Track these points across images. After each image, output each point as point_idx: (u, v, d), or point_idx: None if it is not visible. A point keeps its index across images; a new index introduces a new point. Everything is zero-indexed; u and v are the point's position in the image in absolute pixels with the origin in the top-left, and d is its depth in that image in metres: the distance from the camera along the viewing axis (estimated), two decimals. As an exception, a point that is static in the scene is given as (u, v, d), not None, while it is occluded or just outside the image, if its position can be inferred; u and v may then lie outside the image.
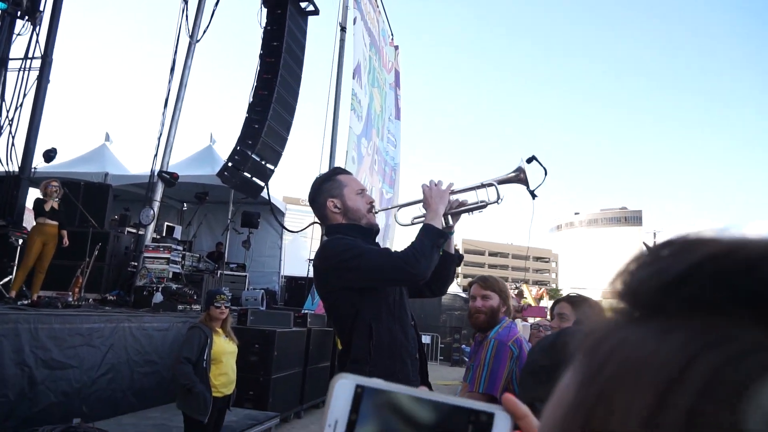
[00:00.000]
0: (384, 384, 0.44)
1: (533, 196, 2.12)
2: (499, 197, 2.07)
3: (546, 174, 2.13)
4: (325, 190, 2.18)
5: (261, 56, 9.04)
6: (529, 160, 2.09)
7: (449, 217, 2.13)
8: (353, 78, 8.71)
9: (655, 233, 47.91)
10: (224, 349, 4.09)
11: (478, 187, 2.14)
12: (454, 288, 29.90)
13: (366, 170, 9.46)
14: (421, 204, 2.13)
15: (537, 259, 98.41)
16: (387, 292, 2.06)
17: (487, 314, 2.54)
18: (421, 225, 2.09)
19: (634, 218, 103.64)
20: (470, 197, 2.16)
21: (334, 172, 2.27)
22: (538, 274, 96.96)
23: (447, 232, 2.04)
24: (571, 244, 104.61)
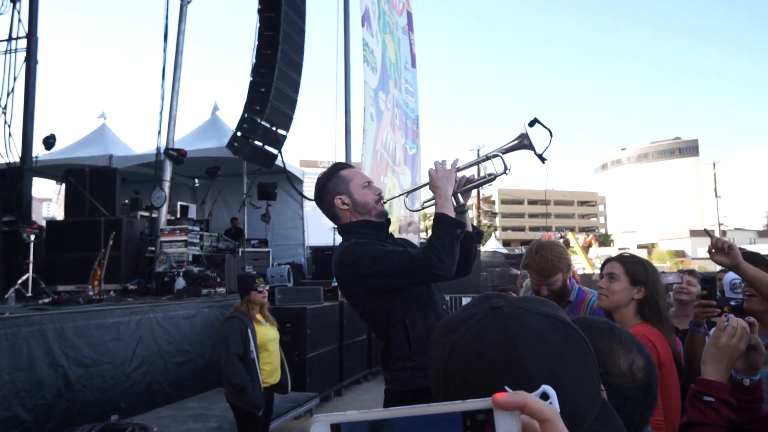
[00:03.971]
0: (358, 414, 0.47)
1: (542, 160, 2.21)
2: (506, 168, 2.17)
3: (552, 135, 2.19)
4: (331, 188, 2.28)
5: (259, 11, 8.93)
6: (531, 124, 2.16)
7: (459, 195, 2.24)
8: (362, 26, 8.54)
9: (714, 163, 46.62)
10: (267, 336, 4.22)
11: (483, 160, 2.26)
12: (493, 243, 29.94)
13: (387, 126, 9.40)
14: (428, 187, 2.24)
15: (582, 203, 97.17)
16: None
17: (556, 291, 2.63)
18: (433, 210, 2.18)
19: (689, 149, 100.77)
20: (477, 171, 2.32)
21: (336, 168, 2.35)
22: (584, 220, 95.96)
23: (462, 222, 2.14)
24: (619, 183, 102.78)
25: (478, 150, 34.40)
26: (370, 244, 2.14)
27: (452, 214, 2.10)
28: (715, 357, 1.46)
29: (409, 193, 2.75)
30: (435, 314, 2.16)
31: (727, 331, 1.46)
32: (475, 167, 2.41)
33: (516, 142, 2.17)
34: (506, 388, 0.61)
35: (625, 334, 1.02)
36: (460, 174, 2.22)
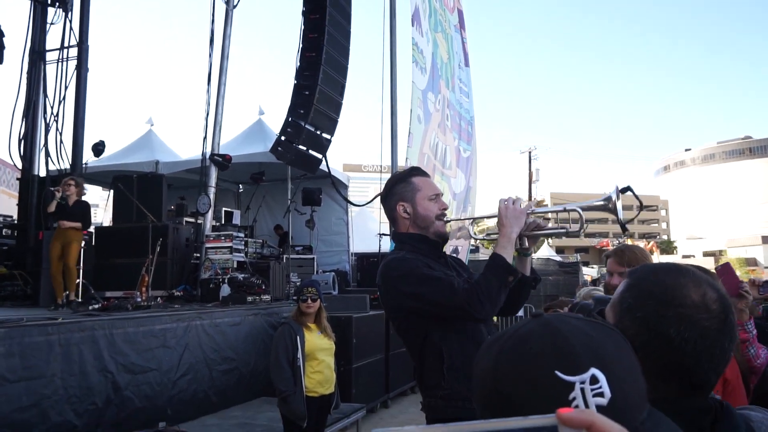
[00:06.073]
0: (416, 429, 0.48)
1: (624, 229, 2.14)
2: (582, 226, 2.13)
3: (642, 208, 2.20)
4: (397, 192, 2.29)
5: (304, 13, 9.10)
6: (623, 191, 2.10)
7: (525, 239, 2.18)
8: (412, 25, 8.54)
9: (789, 164, 44.36)
10: (317, 345, 4.25)
11: (560, 211, 2.24)
12: (546, 250, 29.42)
13: (435, 128, 9.37)
14: (496, 220, 2.20)
15: (642, 207, 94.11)
16: None
17: None
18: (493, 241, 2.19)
19: (760, 149, 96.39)
20: (551, 218, 2.28)
21: (410, 173, 2.36)
22: (644, 226, 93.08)
23: (516, 270, 2.09)
24: (683, 186, 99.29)
25: (530, 153, 33.94)
26: (417, 263, 2.12)
27: (510, 258, 2.06)
28: None
29: (475, 219, 2.74)
30: (476, 345, 2.10)
31: None
32: (547, 215, 2.39)
33: (601, 203, 2.12)
34: (558, 373, 0.65)
35: (692, 270, 1.03)
36: (532, 218, 2.16)
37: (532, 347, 0.70)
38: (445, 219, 2.29)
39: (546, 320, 0.74)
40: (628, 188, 2.11)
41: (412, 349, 2.17)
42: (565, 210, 2.20)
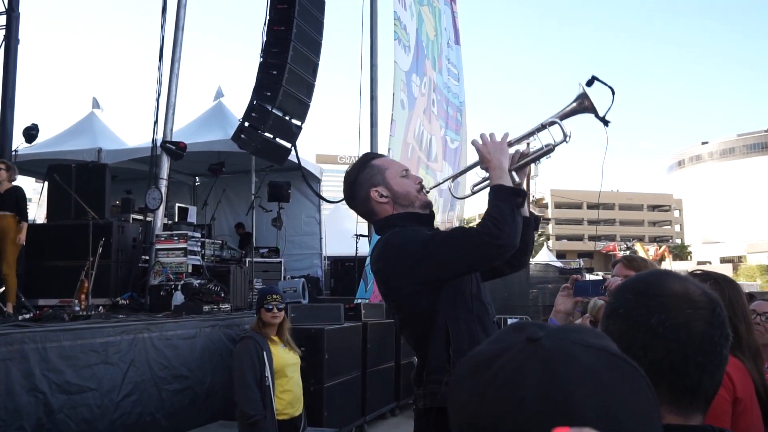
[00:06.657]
0: None
1: (605, 123, 2.23)
2: (565, 135, 2.20)
3: (613, 93, 2.22)
4: (364, 180, 2.30)
5: (272, -20, 9.05)
6: (589, 83, 2.19)
7: (513, 173, 2.23)
8: (395, -4, 8.57)
9: (816, 160, 45.33)
10: (285, 360, 4.24)
11: (538, 130, 2.29)
12: (545, 255, 29.69)
13: (420, 115, 9.40)
14: (478, 167, 2.26)
15: (653, 207, 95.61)
16: (462, 286, 2.18)
17: None
18: (487, 191, 2.21)
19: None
20: (532, 144, 2.31)
21: (367, 158, 2.40)
22: (655, 228, 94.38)
23: (523, 190, 2.14)
24: (699, 184, 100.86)
25: (528, 146, 34.17)
26: (416, 230, 2.16)
27: (509, 184, 2.11)
28: None
29: (455, 177, 2.79)
30: (482, 326, 2.18)
31: None
32: (527, 140, 2.44)
33: (575, 104, 2.19)
34: None
35: (677, 272, 1.13)
36: (512, 149, 2.23)
37: (525, 397, 0.65)
38: (425, 190, 2.33)
39: (544, 353, 0.67)
40: (594, 78, 2.20)
41: (416, 335, 2.21)
42: (542, 126, 2.26)
